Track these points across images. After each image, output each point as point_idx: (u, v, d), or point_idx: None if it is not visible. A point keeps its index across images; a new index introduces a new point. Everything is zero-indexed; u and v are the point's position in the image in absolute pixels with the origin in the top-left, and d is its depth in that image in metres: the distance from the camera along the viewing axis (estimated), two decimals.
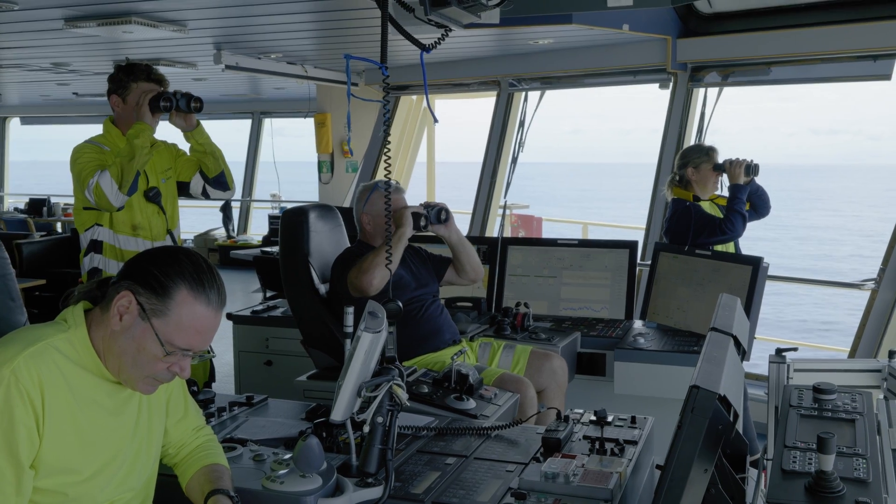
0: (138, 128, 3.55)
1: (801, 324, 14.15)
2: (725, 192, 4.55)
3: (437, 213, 3.70)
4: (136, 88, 3.65)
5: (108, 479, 1.82)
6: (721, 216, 4.44)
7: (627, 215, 21.59)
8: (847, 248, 27.86)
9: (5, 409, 1.63)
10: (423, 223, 3.62)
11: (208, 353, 1.88)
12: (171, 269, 1.77)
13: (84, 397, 1.77)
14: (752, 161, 4.46)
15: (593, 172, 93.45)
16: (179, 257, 1.81)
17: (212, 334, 1.83)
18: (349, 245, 3.96)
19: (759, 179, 4.55)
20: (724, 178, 4.56)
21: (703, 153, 4.59)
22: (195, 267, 1.80)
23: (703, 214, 4.45)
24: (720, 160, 4.54)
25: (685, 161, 4.62)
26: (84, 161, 3.58)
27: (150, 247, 3.43)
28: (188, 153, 3.88)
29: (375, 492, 2.07)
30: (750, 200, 4.49)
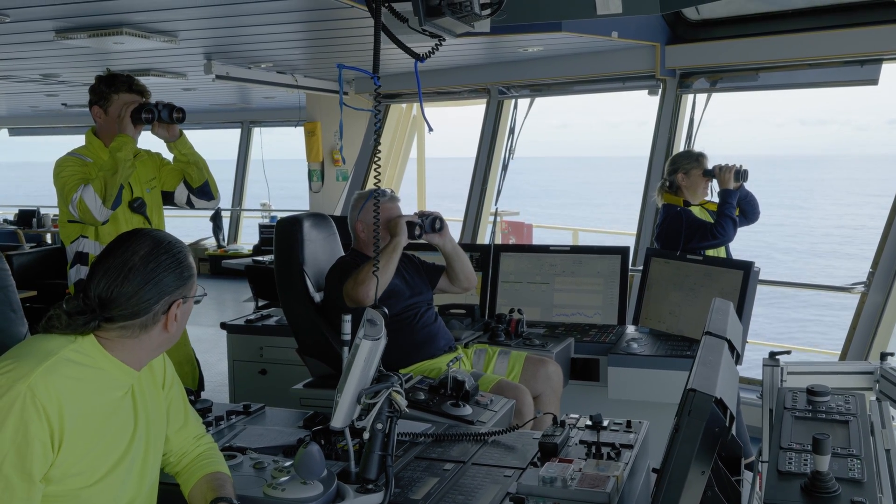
0: (120, 140, 3.51)
1: (788, 325, 14.20)
2: (715, 198, 4.59)
3: (431, 222, 3.71)
4: (117, 100, 3.61)
5: (117, 482, 1.83)
6: (711, 221, 4.48)
7: (621, 210, 21.56)
8: (844, 241, 27.81)
9: (20, 424, 1.64)
10: (417, 232, 3.63)
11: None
12: (181, 255, 1.90)
13: (95, 405, 1.78)
14: (741, 167, 4.50)
15: (583, 167, 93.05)
16: (164, 239, 1.92)
17: None
18: (343, 254, 3.97)
19: (748, 185, 4.59)
20: (714, 184, 4.60)
21: (693, 159, 4.63)
22: (173, 241, 1.95)
23: (694, 219, 4.48)
24: (710, 166, 4.58)
25: (675, 167, 4.65)
26: (67, 175, 3.53)
27: None
28: (172, 161, 3.85)
29: (376, 498, 2.09)
30: (739, 206, 4.53)
